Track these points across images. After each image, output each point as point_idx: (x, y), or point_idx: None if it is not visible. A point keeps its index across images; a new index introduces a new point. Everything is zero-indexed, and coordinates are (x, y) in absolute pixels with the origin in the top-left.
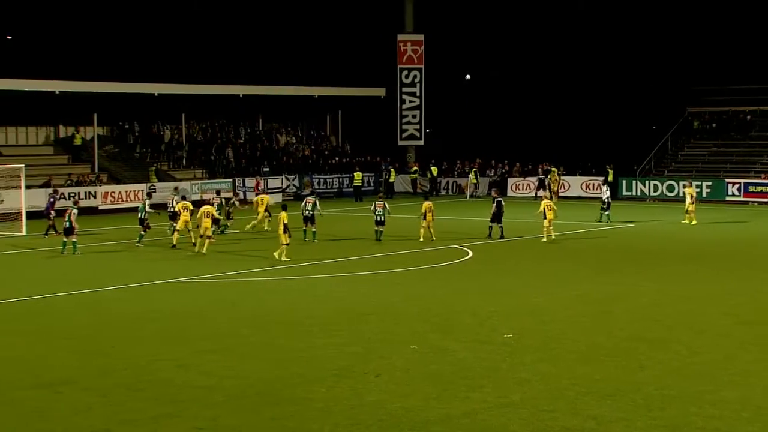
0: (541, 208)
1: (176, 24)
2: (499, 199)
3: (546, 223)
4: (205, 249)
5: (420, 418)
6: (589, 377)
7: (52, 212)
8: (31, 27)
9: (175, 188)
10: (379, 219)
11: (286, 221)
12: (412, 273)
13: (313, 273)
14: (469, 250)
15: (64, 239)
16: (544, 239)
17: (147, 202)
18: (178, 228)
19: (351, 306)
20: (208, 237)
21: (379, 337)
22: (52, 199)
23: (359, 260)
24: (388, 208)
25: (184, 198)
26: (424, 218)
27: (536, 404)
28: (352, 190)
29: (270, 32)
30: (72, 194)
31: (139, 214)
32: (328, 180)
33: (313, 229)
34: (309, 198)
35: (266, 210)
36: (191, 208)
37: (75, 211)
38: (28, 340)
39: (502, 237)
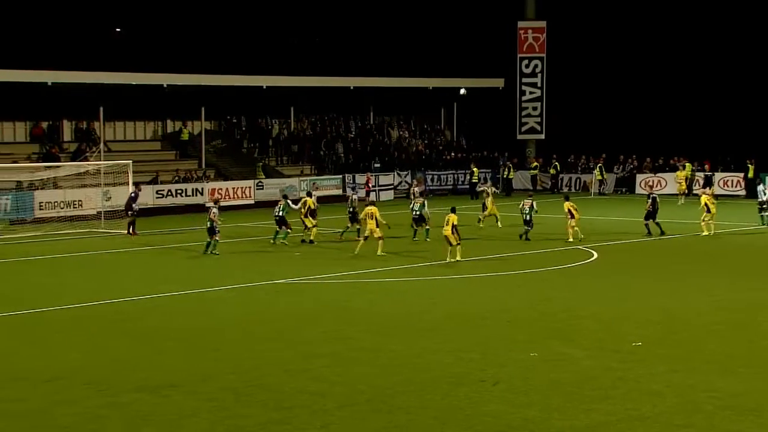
0: (703, 203)
1: (284, 14)
2: (655, 195)
3: (708, 217)
4: (380, 251)
5: (541, 430)
6: (727, 390)
7: (134, 207)
8: (139, 20)
9: (313, 183)
10: (526, 219)
11: (456, 222)
12: (532, 275)
13: (429, 275)
14: (593, 251)
15: (209, 239)
16: (705, 233)
17: (288, 201)
18: (308, 225)
19: (467, 309)
20: (379, 238)
21: (497, 343)
22: (133, 194)
23: (477, 261)
24: (535, 207)
25: (309, 194)
26: (572, 217)
27: (669, 418)
28: (467, 186)
29: (382, 21)
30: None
31: (279, 212)
32: (442, 176)
33: (427, 227)
34: (417, 198)
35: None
36: (310, 203)
37: (216, 210)
38: (133, 342)
39: (662, 233)
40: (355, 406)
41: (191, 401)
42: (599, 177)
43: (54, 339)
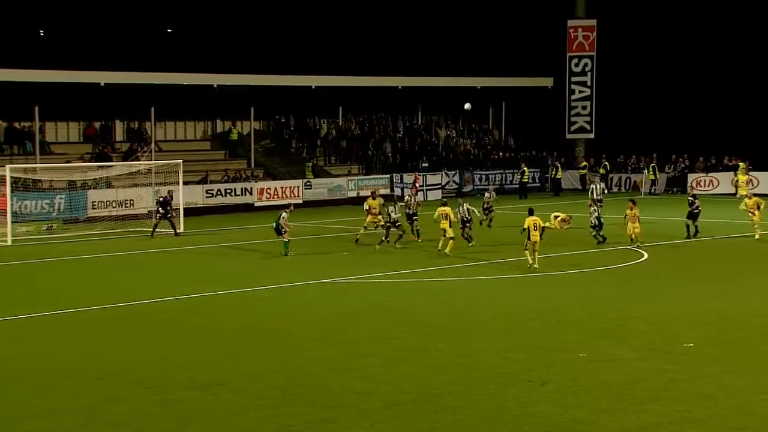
0: (755, 203)
1: (333, 14)
2: (695, 198)
3: (758, 217)
4: (448, 250)
5: None
6: None
7: (161, 211)
8: (190, 20)
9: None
10: (595, 223)
11: (543, 224)
12: (581, 275)
13: (475, 275)
14: (644, 252)
15: (285, 240)
16: (757, 236)
17: (397, 206)
18: (365, 225)
19: (515, 309)
20: (450, 238)
21: (545, 343)
22: (161, 198)
23: (525, 261)
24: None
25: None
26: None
27: (722, 421)
28: (517, 186)
29: (431, 20)
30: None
31: (388, 216)
32: (490, 176)
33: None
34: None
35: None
36: (371, 203)
37: (285, 215)
38: (181, 340)
39: (690, 236)
40: (401, 406)
41: (240, 399)
42: (651, 177)
43: (102, 337)
